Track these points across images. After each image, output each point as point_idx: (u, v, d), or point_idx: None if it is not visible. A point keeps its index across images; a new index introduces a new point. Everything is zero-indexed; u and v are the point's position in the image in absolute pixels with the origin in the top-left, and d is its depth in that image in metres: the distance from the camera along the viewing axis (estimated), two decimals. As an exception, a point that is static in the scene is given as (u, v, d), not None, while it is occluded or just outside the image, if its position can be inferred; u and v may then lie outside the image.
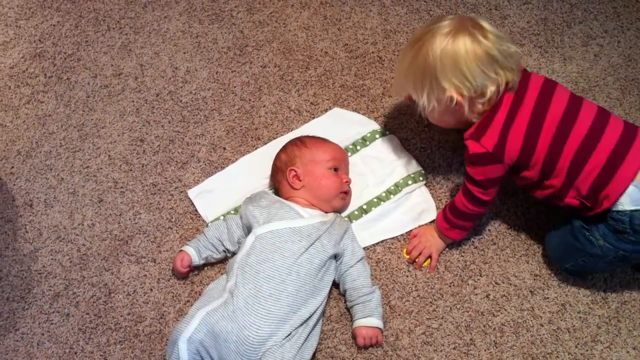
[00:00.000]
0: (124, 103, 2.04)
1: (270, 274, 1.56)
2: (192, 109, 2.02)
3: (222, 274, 1.70)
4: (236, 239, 1.70)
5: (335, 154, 1.79)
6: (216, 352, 1.51)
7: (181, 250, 1.71)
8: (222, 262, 1.75)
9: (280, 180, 1.78)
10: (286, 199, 1.74)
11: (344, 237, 1.68)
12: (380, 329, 1.62)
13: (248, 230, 1.68)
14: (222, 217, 1.81)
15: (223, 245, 1.71)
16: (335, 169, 1.76)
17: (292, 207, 1.69)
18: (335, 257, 1.66)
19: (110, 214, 1.84)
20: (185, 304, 1.70)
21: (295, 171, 1.74)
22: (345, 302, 1.69)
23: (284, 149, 1.81)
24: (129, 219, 1.84)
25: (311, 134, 1.87)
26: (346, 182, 1.77)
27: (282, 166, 1.77)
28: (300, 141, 1.81)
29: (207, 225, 1.80)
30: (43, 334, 1.68)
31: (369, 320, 1.61)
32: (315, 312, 1.59)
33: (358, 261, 1.68)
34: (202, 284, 1.72)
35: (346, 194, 1.78)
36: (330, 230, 1.66)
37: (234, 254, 1.70)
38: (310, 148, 1.78)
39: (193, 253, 1.70)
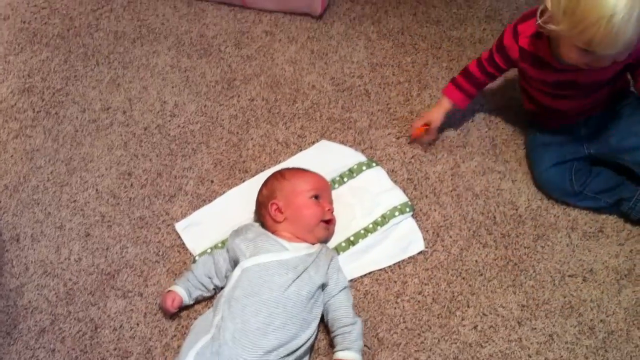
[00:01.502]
0: (112, 137, 2.04)
1: (258, 308, 1.55)
2: (180, 142, 2.03)
3: (209, 308, 1.68)
4: (224, 274, 1.70)
5: (315, 183, 1.79)
6: None
7: (170, 290, 1.69)
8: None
9: (263, 215, 1.78)
10: (271, 233, 1.74)
11: (330, 266, 1.68)
12: None
13: (235, 263, 1.67)
14: (209, 250, 1.80)
15: (212, 282, 1.70)
16: (317, 197, 1.76)
17: (278, 241, 1.69)
18: (323, 287, 1.66)
19: (97, 248, 1.84)
20: (172, 338, 1.69)
21: (277, 204, 1.75)
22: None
23: (265, 183, 1.82)
24: (116, 253, 1.83)
25: (298, 166, 1.88)
26: (328, 209, 1.77)
27: (264, 200, 1.78)
28: (280, 174, 1.81)
29: (194, 261, 1.79)
30: (28, 370, 1.66)
31: (345, 353, 1.59)
32: (304, 344, 1.58)
33: (341, 290, 1.67)
34: (190, 317, 1.71)
35: (329, 222, 1.78)
36: (317, 262, 1.66)
37: (222, 288, 1.69)
38: (289, 180, 1.78)
39: (184, 294, 1.69)
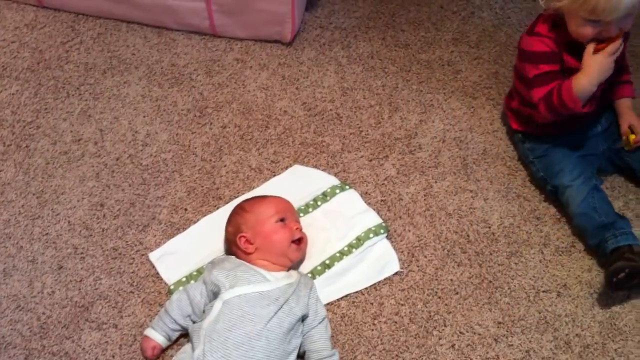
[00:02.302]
0: (83, 168, 2.03)
1: (240, 341, 1.54)
2: (152, 171, 2.03)
3: (187, 341, 1.66)
4: (202, 308, 1.67)
5: (278, 206, 1.79)
6: None
7: (147, 337, 1.67)
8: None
9: (235, 251, 1.77)
10: (248, 262, 1.73)
11: (310, 296, 1.68)
12: None
13: (214, 295, 1.66)
14: (184, 279, 1.79)
15: (191, 319, 1.67)
16: (282, 220, 1.76)
17: (257, 271, 1.68)
18: (303, 318, 1.65)
19: (71, 281, 1.82)
20: (148, 369, 1.67)
21: (245, 236, 1.73)
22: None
23: (229, 222, 1.81)
24: (90, 284, 1.81)
25: (271, 193, 1.88)
26: (297, 229, 1.77)
27: (232, 238, 1.77)
28: (240, 208, 1.81)
29: (169, 290, 1.77)
30: (2, 407, 1.63)
31: None
32: None
33: (320, 322, 1.66)
34: (166, 349, 1.70)
35: (300, 241, 1.77)
36: (297, 292, 1.65)
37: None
38: (251, 211, 1.78)
39: (163, 341, 1.66)
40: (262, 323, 1.56)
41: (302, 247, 1.78)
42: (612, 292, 1.76)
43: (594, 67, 1.72)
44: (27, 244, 1.88)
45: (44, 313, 1.76)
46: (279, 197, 1.83)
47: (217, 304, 1.61)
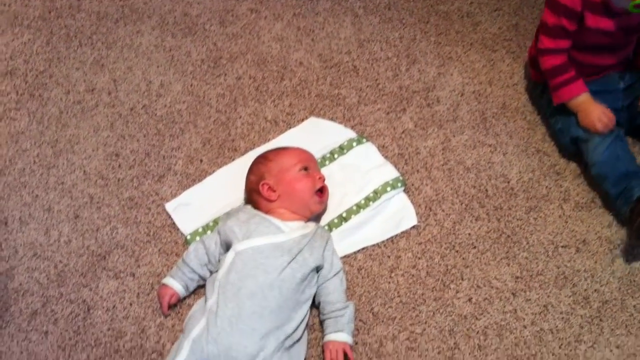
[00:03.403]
0: (97, 118, 2.01)
1: (253, 291, 1.54)
2: (167, 122, 2.01)
3: (204, 296, 1.65)
4: (217, 258, 1.67)
5: (301, 156, 1.78)
6: None
7: (165, 285, 1.67)
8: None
9: (256, 200, 1.75)
10: (266, 212, 1.72)
11: (325, 248, 1.67)
12: (350, 344, 1.60)
13: (227, 246, 1.65)
14: (200, 230, 1.79)
15: (208, 269, 1.67)
16: (306, 169, 1.75)
17: (272, 222, 1.67)
18: (317, 269, 1.64)
19: (87, 230, 1.81)
20: (166, 317, 1.67)
21: (268, 184, 1.72)
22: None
23: (251, 171, 1.79)
24: (106, 234, 1.81)
25: (287, 145, 1.86)
26: (320, 178, 1.75)
27: (254, 186, 1.75)
28: (263, 158, 1.79)
29: (185, 241, 1.77)
30: (22, 352, 1.63)
31: (339, 335, 1.59)
32: (299, 325, 1.57)
33: (335, 275, 1.66)
34: (184, 299, 1.70)
35: (322, 192, 1.76)
36: (312, 243, 1.64)
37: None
38: (274, 160, 1.76)
39: (181, 290, 1.66)
40: (275, 273, 1.56)
41: (324, 199, 1.77)
42: (637, 239, 1.73)
43: (590, 115, 1.81)
44: (43, 192, 1.87)
45: (60, 261, 1.76)
46: (301, 148, 1.81)
47: (230, 255, 1.61)
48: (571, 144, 1.89)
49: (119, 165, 1.92)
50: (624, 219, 1.77)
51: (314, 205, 1.74)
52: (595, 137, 1.80)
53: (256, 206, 1.75)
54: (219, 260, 1.66)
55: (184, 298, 1.69)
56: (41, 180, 1.89)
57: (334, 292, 1.64)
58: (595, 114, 1.79)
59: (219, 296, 1.55)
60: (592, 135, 1.80)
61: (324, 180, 1.76)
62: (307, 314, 1.61)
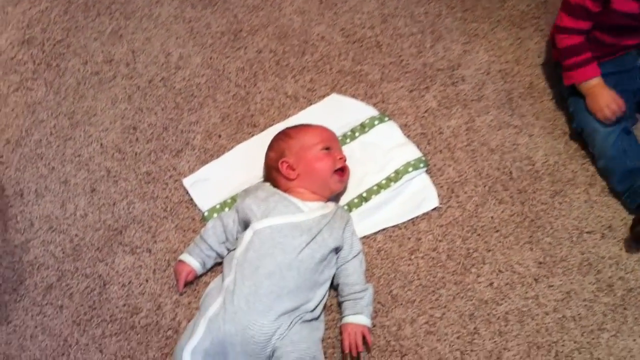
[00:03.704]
0: (115, 90, 1.98)
1: (271, 270, 1.51)
2: (185, 95, 1.97)
3: (221, 273, 1.63)
4: (235, 236, 1.65)
5: (323, 135, 1.73)
6: (223, 358, 1.47)
7: (182, 262, 1.65)
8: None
9: (275, 177, 1.72)
10: (284, 191, 1.69)
11: (345, 229, 1.64)
12: (368, 327, 1.57)
13: (245, 225, 1.62)
14: (218, 206, 1.76)
15: (226, 247, 1.65)
16: (327, 149, 1.71)
17: (291, 201, 1.64)
18: (336, 250, 1.61)
19: (104, 204, 1.79)
20: (182, 294, 1.66)
21: (287, 162, 1.69)
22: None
23: (271, 147, 1.75)
24: (123, 208, 1.79)
25: (308, 122, 1.82)
26: (340, 158, 1.71)
27: (273, 163, 1.72)
28: (284, 134, 1.75)
29: (203, 217, 1.75)
30: (36, 327, 1.63)
31: (358, 317, 1.56)
32: (317, 306, 1.55)
33: (355, 256, 1.63)
34: (200, 276, 1.68)
35: (343, 172, 1.72)
36: (331, 224, 1.61)
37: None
38: (296, 137, 1.72)
39: (198, 267, 1.65)
40: (293, 253, 1.53)
41: (344, 178, 1.73)
42: (635, 244, 1.70)
43: (599, 100, 1.76)
44: (59, 165, 1.85)
45: (76, 235, 1.75)
46: (324, 126, 1.77)
47: (248, 234, 1.58)
48: (577, 130, 1.85)
49: (137, 139, 1.89)
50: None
51: (334, 184, 1.70)
52: (601, 129, 1.75)
53: (275, 184, 1.72)
54: (237, 238, 1.64)
55: (201, 275, 1.67)
56: (58, 152, 1.87)
57: (353, 273, 1.62)
58: (605, 99, 1.75)
59: (236, 275, 1.53)
60: (598, 125, 1.76)
61: (344, 160, 1.72)
62: (325, 295, 1.59)
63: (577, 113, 1.82)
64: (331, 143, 1.72)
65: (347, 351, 1.54)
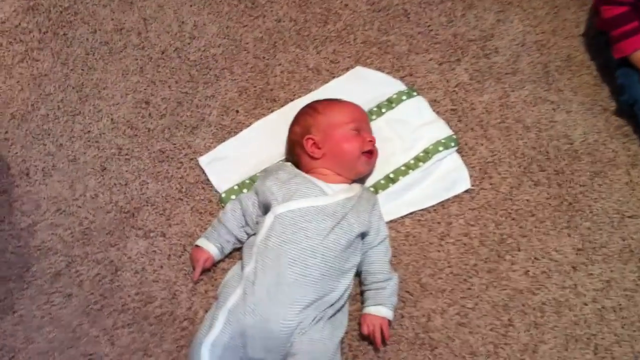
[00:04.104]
0: (126, 61, 1.87)
1: (294, 257, 1.41)
2: (200, 67, 1.86)
3: (240, 260, 1.54)
4: (255, 220, 1.55)
5: (353, 114, 1.62)
6: (242, 351, 1.38)
7: (199, 247, 1.55)
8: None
9: (298, 154, 1.62)
10: (308, 171, 1.59)
11: (372, 213, 1.53)
12: (389, 320, 1.48)
13: (265, 208, 1.52)
14: (236, 187, 1.66)
15: (245, 232, 1.56)
16: (357, 130, 1.60)
17: (315, 183, 1.53)
18: (362, 235, 1.51)
19: (115, 184, 1.70)
20: (198, 282, 1.57)
21: (313, 139, 1.58)
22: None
23: (296, 121, 1.65)
24: (135, 189, 1.69)
25: (331, 96, 1.70)
26: (370, 141, 1.60)
27: (298, 139, 1.61)
28: (312, 109, 1.64)
29: (220, 199, 1.65)
30: (43, 317, 1.54)
31: (378, 309, 1.47)
32: (342, 295, 1.46)
33: (381, 242, 1.53)
34: (218, 262, 1.58)
35: (371, 154, 1.62)
36: (357, 207, 1.51)
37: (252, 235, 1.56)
38: (324, 113, 1.61)
39: (216, 253, 1.55)
40: (317, 239, 1.43)
41: (372, 160, 1.63)
42: None
43: None
44: (68, 142, 1.75)
45: (86, 218, 1.66)
46: (355, 104, 1.66)
47: (269, 218, 1.48)
48: (629, 105, 1.72)
49: (149, 114, 1.79)
50: None
51: (361, 166, 1.60)
52: None
53: (297, 162, 1.62)
54: (257, 223, 1.54)
55: (219, 262, 1.58)
56: (66, 128, 1.77)
57: (377, 261, 1.52)
58: None
59: (257, 263, 1.43)
60: None
61: (374, 143, 1.62)
62: (350, 284, 1.49)
63: (629, 85, 1.70)
64: (362, 124, 1.62)
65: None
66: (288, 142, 1.67)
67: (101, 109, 1.80)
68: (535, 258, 1.59)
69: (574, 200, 1.66)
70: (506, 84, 1.82)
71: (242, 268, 1.46)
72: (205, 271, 1.57)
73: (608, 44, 1.77)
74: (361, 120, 1.63)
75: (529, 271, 1.58)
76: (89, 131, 1.77)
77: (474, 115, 1.77)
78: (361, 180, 1.65)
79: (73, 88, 1.83)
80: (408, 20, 1.93)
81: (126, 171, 1.71)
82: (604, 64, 1.84)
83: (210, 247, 1.55)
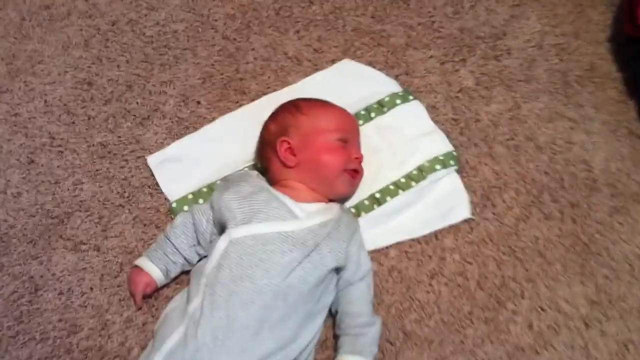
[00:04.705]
0: (69, 31, 1.62)
1: (249, 298, 1.15)
2: (158, 45, 1.62)
3: (187, 287, 1.28)
4: (208, 239, 1.29)
5: (344, 123, 1.38)
6: None
7: (139, 268, 1.31)
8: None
9: (269, 158, 1.36)
10: (277, 182, 1.33)
11: (351, 242, 1.28)
12: None
13: (221, 226, 1.26)
14: (190, 196, 1.41)
15: (197, 253, 1.31)
16: (344, 141, 1.35)
17: (283, 202, 1.27)
18: (337, 270, 1.26)
19: (43, 181, 1.45)
20: (135, 311, 1.32)
21: (289, 142, 1.33)
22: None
23: (274, 117, 1.40)
24: (67, 189, 1.44)
25: (311, 93, 1.46)
26: (356, 158, 1.36)
27: (272, 139, 1.36)
28: (295, 106, 1.39)
29: (170, 209, 1.40)
30: (-62, 348, 1.28)
31: (356, 359, 1.23)
32: (308, 345, 1.21)
33: (362, 278, 1.29)
34: (162, 288, 1.33)
35: (356, 173, 1.37)
36: (333, 234, 1.24)
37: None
38: (307, 114, 1.36)
39: (159, 276, 1.29)
40: (280, 275, 1.17)
41: (355, 181, 1.39)
42: None
43: None
44: (-11, 125, 1.48)
45: (5, 220, 1.42)
46: (346, 111, 1.42)
47: (222, 242, 1.22)
48: None
49: (91, 98, 1.54)
50: None
51: (340, 184, 1.34)
52: None
53: (266, 167, 1.38)
54: (211, 242, 1.28)
55: (162, 287, 1.32)
56: (-12, 108, 1.50)
57: (357, 300, 1.27)
58: None
59: (204, 299, 1.17)
60: None
61: (360, 161, 1.36)
62: (319, 329, 1.25)
63: None
64: (351, 135, 1.37)
65: None
66: (260, 141, 1.42)
67: (34, 87, 1.56)
68: (541, 309, 1.36)
69: (590, 241, 1.42)
70: (518, 94, 1.58)
71: (188, 301, 1.20)
72: (145, 297, 1.31)
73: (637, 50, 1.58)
74: (351, 130, 1.38)
75: (533, 324, 1.35)
76: (16, 113, 1.52)
77: (479, 128, 1.53)
78: (341, 199, 1.39)
79: (2, 59, 1.58)
80: (408, 7, 1.70)
81: (58, 166, 1.47)
82: (633, 78, 1.61)
83: (152, 269, 1.29)
